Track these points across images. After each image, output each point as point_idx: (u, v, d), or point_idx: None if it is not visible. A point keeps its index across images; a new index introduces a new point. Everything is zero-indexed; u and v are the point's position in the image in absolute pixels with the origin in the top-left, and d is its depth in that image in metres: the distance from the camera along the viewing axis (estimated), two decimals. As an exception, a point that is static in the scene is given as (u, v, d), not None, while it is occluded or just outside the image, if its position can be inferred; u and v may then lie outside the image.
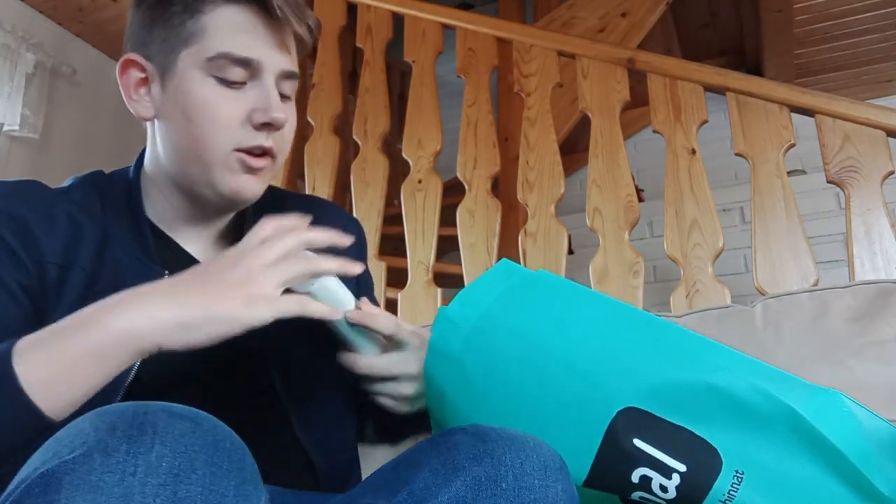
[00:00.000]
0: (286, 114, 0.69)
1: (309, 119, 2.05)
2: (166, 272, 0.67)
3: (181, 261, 0.70)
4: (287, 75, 0.70)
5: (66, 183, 0.72)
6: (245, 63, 0.66)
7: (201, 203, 0.72)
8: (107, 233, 0.67)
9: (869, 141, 1.49)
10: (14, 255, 0.61)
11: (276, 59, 0.68)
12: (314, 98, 2.07)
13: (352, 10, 2.15)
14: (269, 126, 0.67)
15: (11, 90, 2.72)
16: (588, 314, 0.58)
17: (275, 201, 0.78)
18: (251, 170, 0.68)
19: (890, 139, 1.49)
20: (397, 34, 2.05)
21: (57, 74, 3.01)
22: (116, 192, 0.72)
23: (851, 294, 1.09)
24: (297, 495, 0.65)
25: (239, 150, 0.67)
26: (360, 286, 0.77)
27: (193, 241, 0.74)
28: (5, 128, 2.72)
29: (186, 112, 0.66)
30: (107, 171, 0.76)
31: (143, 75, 0.69)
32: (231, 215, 0.77)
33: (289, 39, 0.70)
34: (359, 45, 2.07)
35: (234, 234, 0.77)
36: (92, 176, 0.73)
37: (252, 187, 0.69)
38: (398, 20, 2.06)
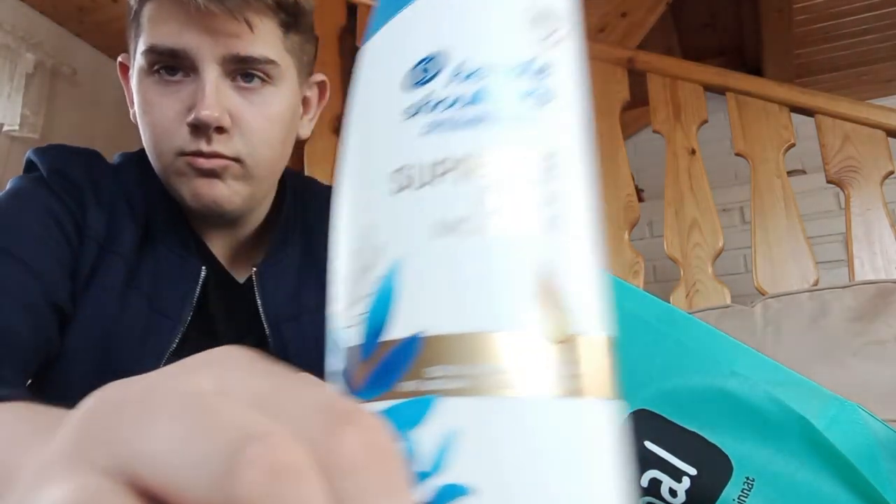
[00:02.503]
0: (238, 107, 0.58)
1: (309, 119, 2.05)
2: (203, 268, 0.63)
3: (212, 263, 0.66)
4: (241, 60, 0.57)
5: (115, 159, 0.68)
6: (172, 54, 0.57)
7: (188, 210, 0.63)
8: (148, 224, 0.64)
9: (869, 141, 1.49)
10: (72, 215, 0.59)
11: (212, 44, 0.56)
12: (314, 98, 2.07)
13: (352, 10, 2.15)
14: (199, 128, 0.57)
15: (11, 90, 2.72)
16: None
17: (306, 202, 0.72)
18: (203, 173, 0.58)
19: (890, 139, 1.49)
20: (397, 34, 2.05)
21: (57, 74, 3.00)
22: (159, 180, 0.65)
23: (851, 294, 1.09)
24: None
25: (183, 154, 0.58)
26: None
27: (214, 245, 0.67)
28: (5, 128, 2.72)
29: (138, 114, 0.61)
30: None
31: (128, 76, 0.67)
32: (246, 226, 0.68)
33: (241, 15, 0.56)
34: (359, 45, 2.07)
35: (256, 242, 0.69)
36: (139, 157, 0.67)
37: (213, 193, 0.59)
38: (398, 20, 2.06)
